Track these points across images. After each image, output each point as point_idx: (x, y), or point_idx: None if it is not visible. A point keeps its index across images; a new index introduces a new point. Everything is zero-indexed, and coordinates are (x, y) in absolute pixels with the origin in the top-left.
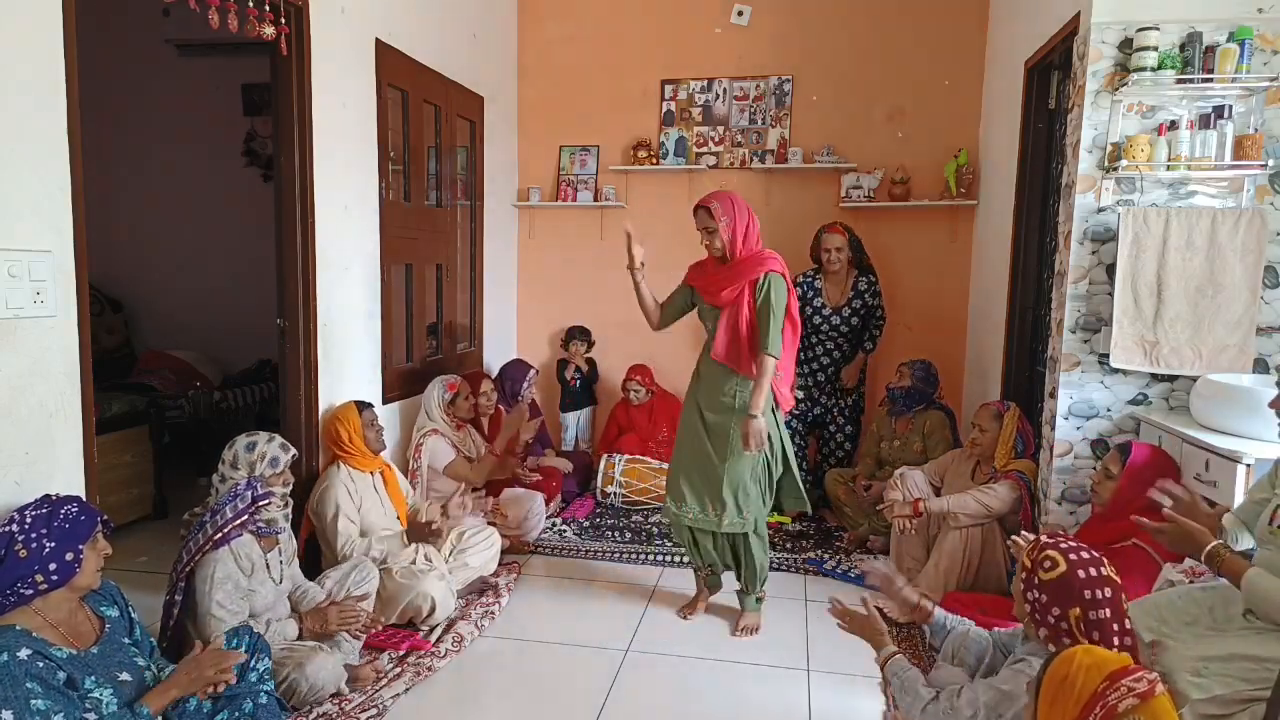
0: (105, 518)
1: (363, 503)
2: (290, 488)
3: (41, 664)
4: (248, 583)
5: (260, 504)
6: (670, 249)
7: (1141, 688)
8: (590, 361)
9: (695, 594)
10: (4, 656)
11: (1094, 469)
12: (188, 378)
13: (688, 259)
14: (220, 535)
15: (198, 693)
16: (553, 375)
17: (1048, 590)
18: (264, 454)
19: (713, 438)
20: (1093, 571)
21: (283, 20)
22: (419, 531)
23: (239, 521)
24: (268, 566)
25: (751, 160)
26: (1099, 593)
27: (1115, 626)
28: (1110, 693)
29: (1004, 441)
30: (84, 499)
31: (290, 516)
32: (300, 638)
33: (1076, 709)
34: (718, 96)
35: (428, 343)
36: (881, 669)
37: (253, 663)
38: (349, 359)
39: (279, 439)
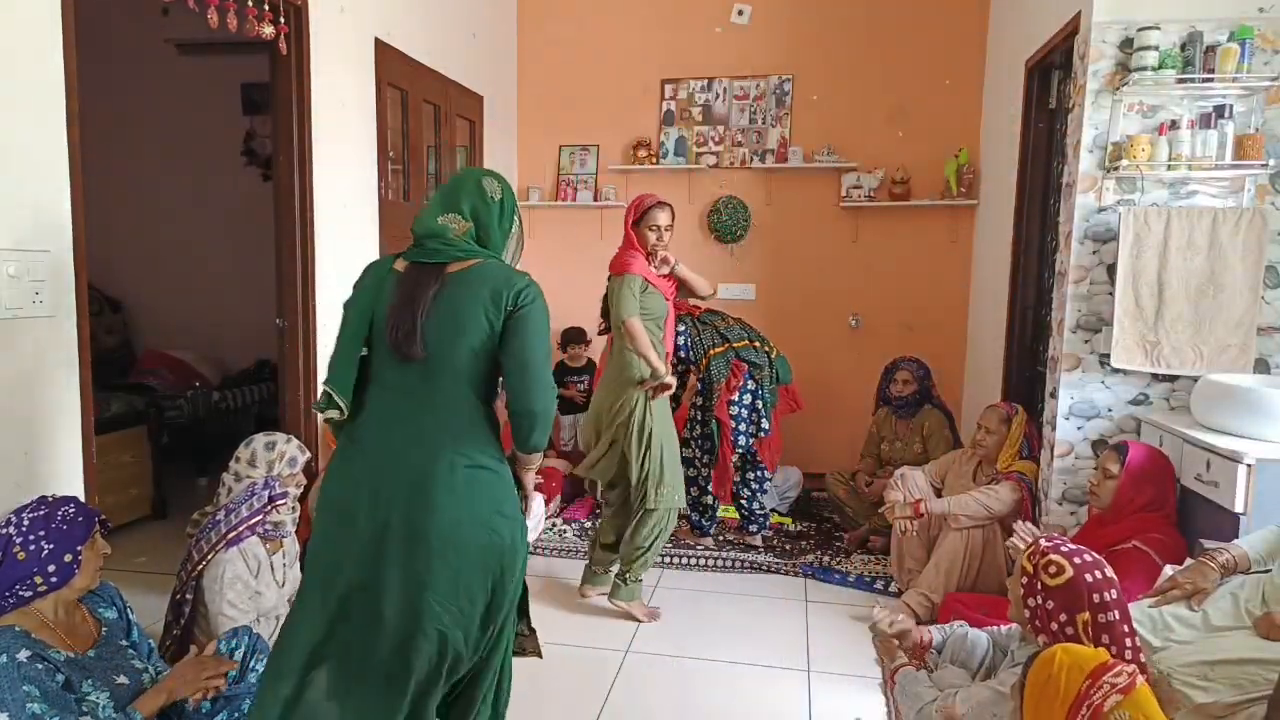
0: (103, 517)
1: None
2: (302, 490)
3: (40, 665)
4: (255, 584)
5: (277, 503)
6: (670, 248)
7: (1123, 682)
8: (591, 367)
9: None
10: (3, 658)
11: (1094, 470)
12: (187, 378)
13: (686, 257)
14: (233, 534)
15: (190, 697)
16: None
17: (1054, 596)
18: (283, 454)
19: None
20: (1098, 574)
21: (282, 20)
22: None
23: (253, 521)
24: (272, 569)
25: (751, 160)
26: (1106, 595)
27: (1126, 628)
28: (1094, 691)
29: (1010, 445)
30: (81, 499)
31: (297, 521)
32: None
33: (1063, 710)
34: (718, 96)
35: None
36: (892, 677)
37: (252, 663)
38: None
39: (296, 440)
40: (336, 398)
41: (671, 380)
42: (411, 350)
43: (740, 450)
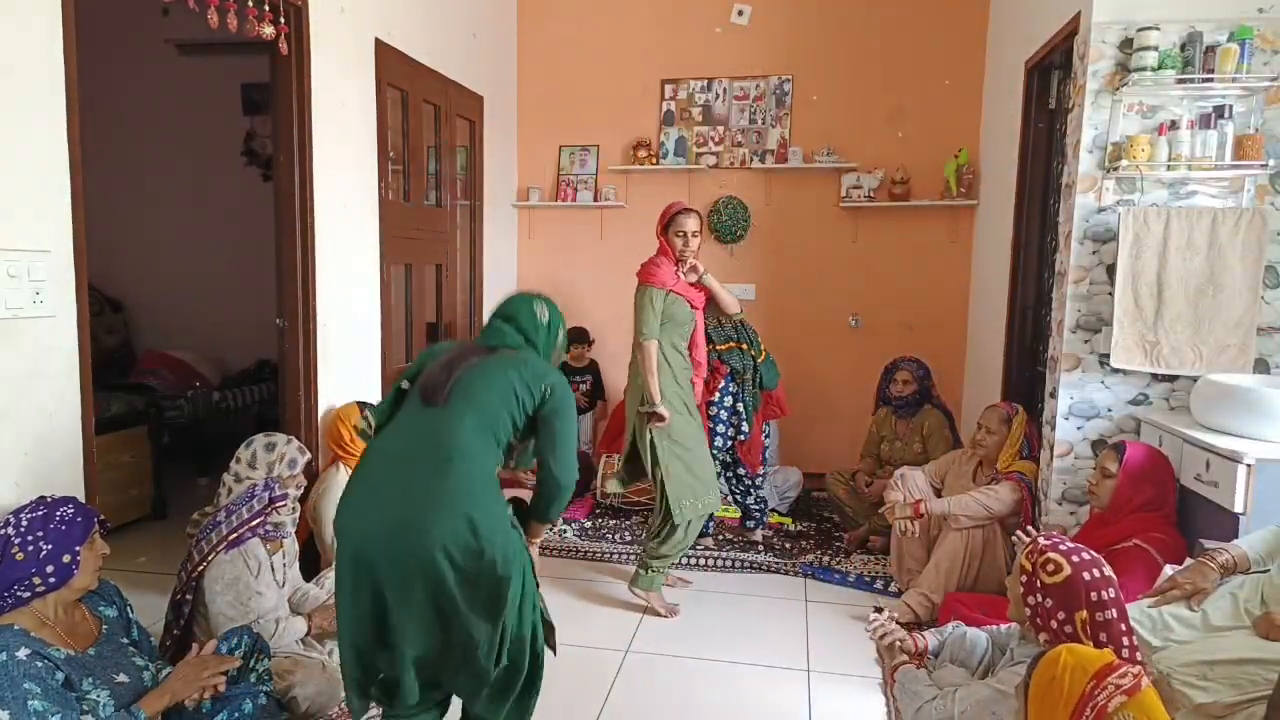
0: (102, 517)
1: None
2: (301, 491)
3: (40, 664)
4: (256, 585)
5: (277, 505)
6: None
7: (1127, 684)
8: (594, 368)
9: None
10: (3, 656)
11: (1093, 470)
12: (187, 378)
13: None
14: (234, 535)
15: (193, 696)
16: None
17: (1052, 594)
18: (283, 455)
19: (700, 426)
20: (1095, 573)
21: (282, 20)
22: None
23: (253, 522)
24: (272, 569)
25: (751, 160)
26: (1104, 594)
27: (1123, 627)
28: (1098, 693)
29: (1010, 445)
30: (80, 499)
31: (296, 521)
32: (309, 634)
33: (1066, 712)
34: (718, 96)
35: (427, 343)
36: (892, 675)
37: (252, 663)
38: (349, 359)
39: (297, 441)
40: (371, 419)
41: (664, 413)
42: (435, 396)
43: (718, 450)
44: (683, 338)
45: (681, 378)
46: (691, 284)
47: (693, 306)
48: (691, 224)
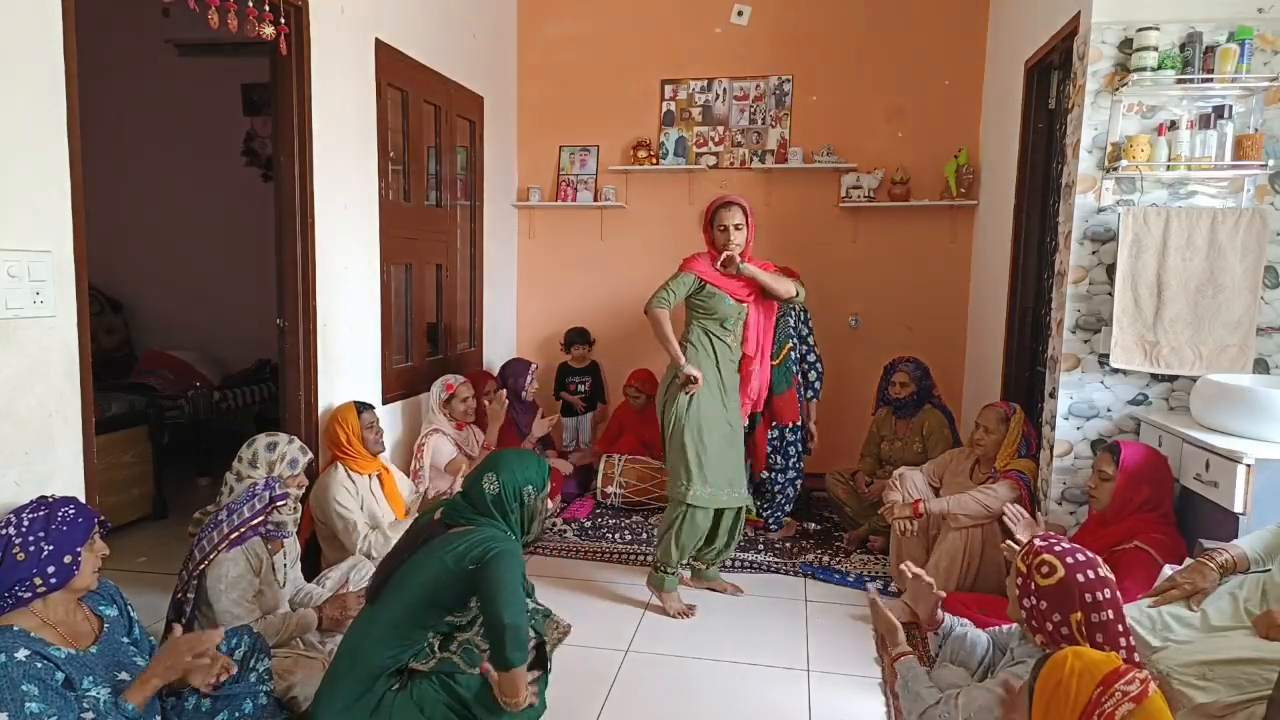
0: (102, 518)
1: (361, 505)
2: (304, 490)
3: (40, 664)
4: (257, 583)
5: (278, 504)
6: (670, 249)
7: (1135, 690)
8: (594, 368)
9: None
10: (1, 658)
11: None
12: (187, 378)
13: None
14: (236, 534)
15: (185, 679)
16: (553, 380)
17: (1046, 596)
18: (284, 455)
19: (736, 426)
20: (1091, 574)
21: (282, 20)
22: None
23: (255, 521)
24: (273, 569)
25: (751, 160)
26: (1099, 594)
27: (1119, 628)
28: (1105, 699)
29: (1009, 444)
30: (80, 500)
31: (298, 521)
32: (320, 625)
33: (1073, 717)
34: (718, 96)
35: (427, 343)
36: (893, 663)
37: (253, 663)
38: (349, 359)
39: (298, 441)
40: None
41: (694, 373)
42: (371, 594)
43: None
44: (726, 330)
45: (724, 364)
46: (731, 276)
47: (737, 300)
48: (733, 217)
